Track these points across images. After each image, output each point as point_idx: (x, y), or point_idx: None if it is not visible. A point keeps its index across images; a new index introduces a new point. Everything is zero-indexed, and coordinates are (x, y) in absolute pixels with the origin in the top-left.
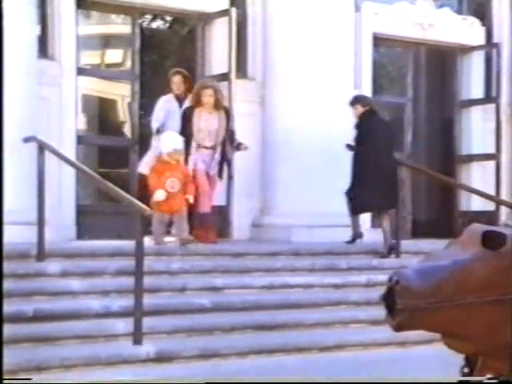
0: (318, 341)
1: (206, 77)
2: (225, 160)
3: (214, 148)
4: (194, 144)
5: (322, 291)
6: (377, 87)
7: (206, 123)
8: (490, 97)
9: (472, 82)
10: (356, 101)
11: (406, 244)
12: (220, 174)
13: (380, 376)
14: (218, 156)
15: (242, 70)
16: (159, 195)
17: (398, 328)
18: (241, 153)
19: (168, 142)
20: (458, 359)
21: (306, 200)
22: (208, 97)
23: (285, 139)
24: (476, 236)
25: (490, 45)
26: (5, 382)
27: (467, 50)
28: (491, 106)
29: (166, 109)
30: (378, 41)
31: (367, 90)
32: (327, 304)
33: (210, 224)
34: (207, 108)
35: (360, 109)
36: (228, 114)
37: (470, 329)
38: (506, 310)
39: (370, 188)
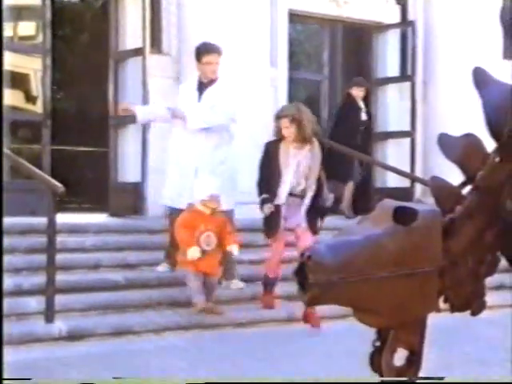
0: (233, 317)
1: (284, 107)
2: (318, 211)
3: (303, 194)
4: (281, 189)
5: (238, 267)
6: (293, 64)
7: (294, 161)
8: (406, 75)
9: (387, 60)
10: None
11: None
12: (312, 228)
13: (293, 350)
14: (307, 203)
15: (156, 45)
16: (194, 253)
17: (310, 302)
18: (154, 128)
19: (202, 186)
20: (371, 333)
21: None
22: (285, 129)
23: None
24: (388, 211)
25: (405, 23)
26: (5, 382)
27: (382, 27)
28: (406, 84)
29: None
30: (294, 17)
31: (283, 67)
32: (243, 280)
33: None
34: (292, 142)
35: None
36: (323, 145)
37: (381, 303)
38: (416, 284)
39: None
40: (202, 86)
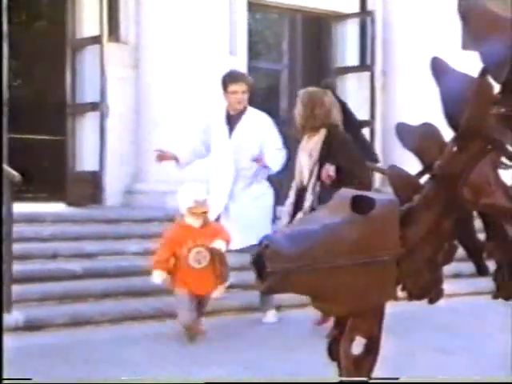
0: None
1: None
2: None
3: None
4: (294, 182)
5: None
6: (253, 53)
7: (303, 152)
8: (365, 65)
9: (347, 49)
10: None
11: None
12: None
13: (250, 339)
14: (308, 203)
15: (114, 33)
16: (156, 278)
17: (268, 291)
18: (112, 116)
19: (186, 194)
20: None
21: None
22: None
23: (158, 104)
24: (346, 201)
25: (365, 13)
26: (4, 382)
27: (342, 17)
28: (366, 74)
29: (204, 139)
30: (253, 6)
31: (243, 57)
32: None
33: None
34: (303, 130)
35: None
36: (334, 136)
37: (339, 291)
38: (374, 272)
39: None
40: (230, 120)
